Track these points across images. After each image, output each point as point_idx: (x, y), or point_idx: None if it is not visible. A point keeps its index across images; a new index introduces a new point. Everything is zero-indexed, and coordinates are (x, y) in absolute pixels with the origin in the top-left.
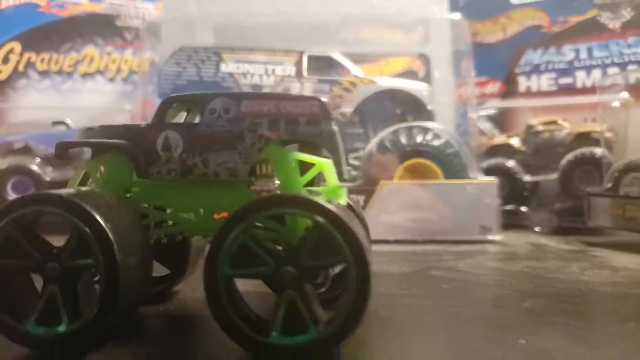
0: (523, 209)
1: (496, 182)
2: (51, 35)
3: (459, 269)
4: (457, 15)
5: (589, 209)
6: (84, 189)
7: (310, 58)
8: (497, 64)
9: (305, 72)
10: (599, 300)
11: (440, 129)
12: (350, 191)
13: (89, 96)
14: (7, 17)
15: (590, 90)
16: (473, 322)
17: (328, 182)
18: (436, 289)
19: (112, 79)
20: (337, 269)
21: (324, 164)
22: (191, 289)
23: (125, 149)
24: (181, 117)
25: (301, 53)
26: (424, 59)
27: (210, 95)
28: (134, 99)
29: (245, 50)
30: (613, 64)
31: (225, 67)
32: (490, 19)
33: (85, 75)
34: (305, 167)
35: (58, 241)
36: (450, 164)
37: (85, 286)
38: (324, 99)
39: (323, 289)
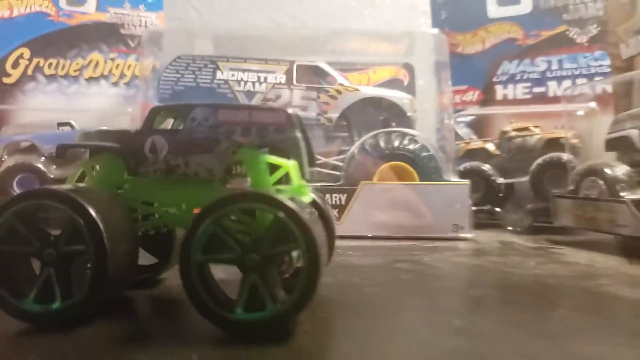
0: (497, 209)
1: (468, 184)
2: (59, 41)
3: (424, 262)
4: (435, 30)
5: (555, 210)
6: (80, 185)
7: (299, 67)
8: (477, 74)
9: (294, 80)
10: (541, 290)
11: (416, 134)
12: (333, 190)
13: (94, 99)
14: (18, 25)
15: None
16: (416, 307)
17: (292, 181)
18: (396, 279)
19: (115, 83)
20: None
21: (290, 166)
22: (176, 277)
23: (117, 151)
24: (168, 124)
25: (292, 62)
26: (409, 68)
27: (192, 106)
28: (136, 102)
29: (240, 59)
30: (582, 75)
31: (220, 75)
32: (470, 31)
33: (90, 79)
34: (274, 168)
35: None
36: (425, 167)
37: (78, 270)
38: (290, 111)
39: (287, 275)
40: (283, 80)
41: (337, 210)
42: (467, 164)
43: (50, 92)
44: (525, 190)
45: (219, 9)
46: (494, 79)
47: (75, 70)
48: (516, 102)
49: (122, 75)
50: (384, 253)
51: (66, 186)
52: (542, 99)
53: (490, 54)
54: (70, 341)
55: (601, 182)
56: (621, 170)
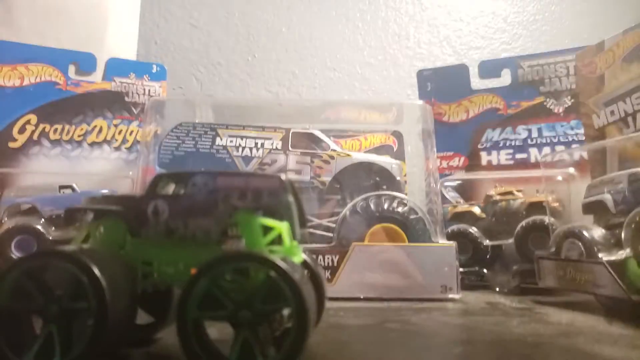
0: (485, 270)
1: (455, 246)
2: (65, 108)
3: (412, 322)
4: (421, 101)
5: (539, 271)
6: (84, 245)
7: (294, 134)
8: (462, 141)
9: (290, 146)
10: (518, 347)
11: (405, 197)
12: (326, 251)
13: (95, 163)
14: (28, 93)
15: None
16: None
17: (284, 242)
18: (384, 337)
19: (117, 148)
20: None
21: (282, 228)
22: (172, 336)
23: (121, 214)
24: (170, 188)
25: (288, 130)
26: (398, 135)
27: (192, 173)
28: (137, 166)
29: (239, 126)
30: (560, 142)
31: (220, 141)
32: (455, 102)
33: (93, 144)
34: (267, 230)
35: None
36: (413, 229)
37: (79, 327)
38: (283, 177)
39: (277, 333)
40: (279, 146)
41: (329, 271)
42: (455, 227)
43: (53, 156)
44: (511, 252)
45: (219, 80)
46: (479, 146)
47: (79, 136)
48: (500, 167)
49: (124, 140)
50: (374, 314)
51: (72, 247)
52: (524, 164)
53: (474, 123)
54: None
55: (580, 244)
56: (597, 232)
